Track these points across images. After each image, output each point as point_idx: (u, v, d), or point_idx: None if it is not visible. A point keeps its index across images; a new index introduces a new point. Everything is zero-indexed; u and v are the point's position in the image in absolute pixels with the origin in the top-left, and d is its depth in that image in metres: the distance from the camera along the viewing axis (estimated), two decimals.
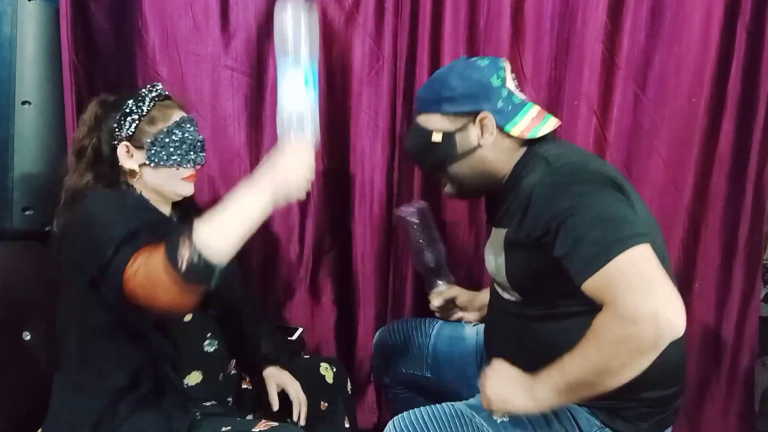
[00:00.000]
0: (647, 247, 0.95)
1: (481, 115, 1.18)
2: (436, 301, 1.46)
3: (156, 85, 1.26)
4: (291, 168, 1.03)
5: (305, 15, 1.04)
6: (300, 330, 1.79)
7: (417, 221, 1.46)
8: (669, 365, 0.97)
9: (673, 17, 1.64)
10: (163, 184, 1.23)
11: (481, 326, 1.42)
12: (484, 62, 1.21)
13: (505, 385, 1.04)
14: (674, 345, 0.96)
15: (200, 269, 0.95)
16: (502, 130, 1.18)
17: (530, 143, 1.20)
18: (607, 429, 1.13)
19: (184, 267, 0.94)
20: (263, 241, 1.84)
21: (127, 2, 1.71)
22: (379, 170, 1.80)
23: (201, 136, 1.27)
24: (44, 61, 1.58)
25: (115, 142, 1.20)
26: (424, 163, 1.29)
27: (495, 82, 1.18)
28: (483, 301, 1.44)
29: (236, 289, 1.39)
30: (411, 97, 1.74)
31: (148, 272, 0.98)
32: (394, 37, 1.73)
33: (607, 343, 0.93)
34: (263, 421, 1.18)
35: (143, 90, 1.23)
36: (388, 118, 1.77)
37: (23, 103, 1.54)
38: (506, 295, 1.22)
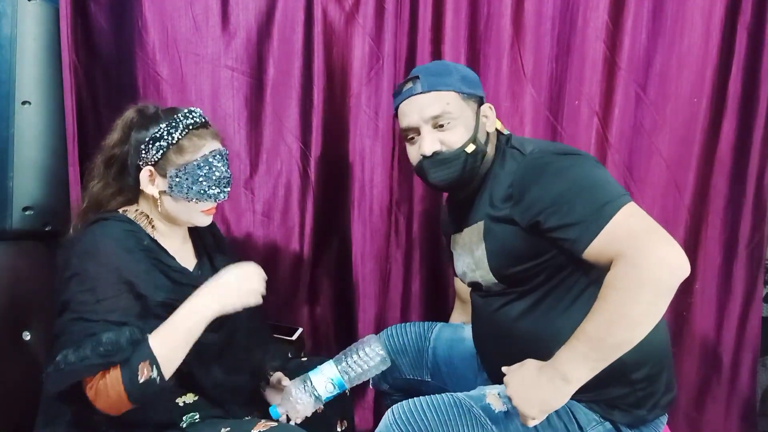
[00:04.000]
0: (632, 205, 1.02)
1: (486, 106, 1.25)
2: None
3: (194, 111, 1.20)
4: (235, 281, 1.13)
5: (378, 360, 1.21)
6: (299, 330, 1.78)
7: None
8: (651, 340, 0.99)
9: (674, 17, 1.64)
10: (179, 213, 1.21)
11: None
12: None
13: (534, 392, 1.02)
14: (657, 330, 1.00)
15: (155, 387, 1.04)
16: None
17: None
18: (606, 422, 1.13)
19: (139, 387, 1.02)
20: (263, 241, 1.84)
21: (127, 2, 1.71)
22: (379, 170, 1.79)
23: (228, 172, 1.23)
24: (44, 61, 1.58)
25: (140, 163, 1.18)
26: (466, 183, 1.24)
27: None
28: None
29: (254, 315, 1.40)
30: None
31: (105, 387, 1.02)
32: (394, 37, 1.73)
33: (625, 292, 0.95)
34: (262, 421, 1.18)
35: (179, 115, 1.18)
36: (388, 118, 1.77)
37: (23, 103, 1.54)
38: (486, 296, 1.23)
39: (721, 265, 1.73)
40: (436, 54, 1.71)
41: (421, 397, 1.14)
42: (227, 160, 1.23)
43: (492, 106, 1.26)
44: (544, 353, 1.04)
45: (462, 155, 1.20)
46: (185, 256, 1.27)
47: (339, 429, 1.43)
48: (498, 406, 1.12)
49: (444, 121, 1.19)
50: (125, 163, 1.20)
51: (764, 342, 1.78)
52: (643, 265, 0.94)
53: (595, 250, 1.00)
